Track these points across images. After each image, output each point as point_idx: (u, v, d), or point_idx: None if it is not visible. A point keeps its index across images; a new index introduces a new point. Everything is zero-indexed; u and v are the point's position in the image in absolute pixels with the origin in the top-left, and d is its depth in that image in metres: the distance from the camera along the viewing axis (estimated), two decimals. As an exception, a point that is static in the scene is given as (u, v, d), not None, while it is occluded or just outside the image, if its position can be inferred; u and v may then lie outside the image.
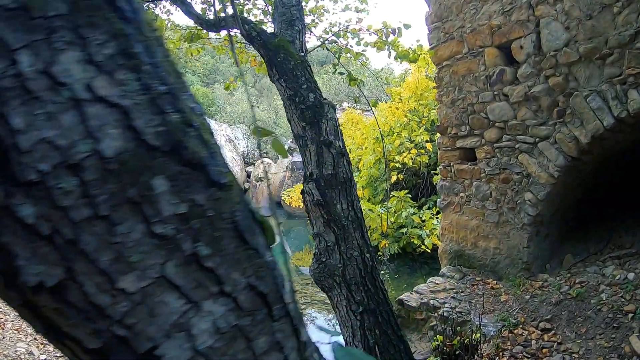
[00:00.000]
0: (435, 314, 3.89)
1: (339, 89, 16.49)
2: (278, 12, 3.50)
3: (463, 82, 4.81)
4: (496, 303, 3.90)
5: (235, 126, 20.75)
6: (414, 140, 9.29)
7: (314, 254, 3.11)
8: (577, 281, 3.55)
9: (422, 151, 8.95)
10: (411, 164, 8.98)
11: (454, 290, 4.28)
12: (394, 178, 9.22)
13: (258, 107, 23.14)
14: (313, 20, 5.34)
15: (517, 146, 4.30)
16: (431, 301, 4.06)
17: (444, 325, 3.73)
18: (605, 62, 3.54)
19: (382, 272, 6.91)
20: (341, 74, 4.05)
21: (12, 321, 6.24)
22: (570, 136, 3.86)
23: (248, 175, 19.54)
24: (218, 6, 4.17)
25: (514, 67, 4.28)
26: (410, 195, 8.83)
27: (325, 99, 3.19)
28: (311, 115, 3.07)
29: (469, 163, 4.88)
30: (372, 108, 4.13)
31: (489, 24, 4.41)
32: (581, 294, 3.32)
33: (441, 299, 4.13)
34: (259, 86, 26.65)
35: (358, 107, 15.76)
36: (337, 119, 3.14)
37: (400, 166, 9.27)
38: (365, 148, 10.18)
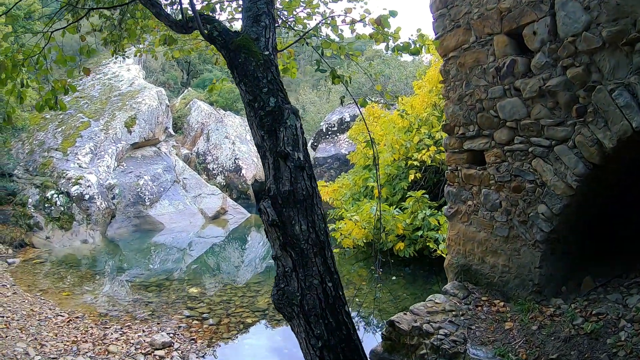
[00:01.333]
0: (427, 341, 3.43)
1: (362, 82, 15.87)
2: (244, 7, 3.13)
3: (471, 75, 4.24)
4: (499, 331, 3.38)
5: (261, 121, 20.60)
6: (434, 137, 8.68)
7: (275, 277, 2.76)
8: (594, 312, 2.98)
9: (442, 148, 8.31)
10: (430, 162, 8.39)
11: (454, 313, 3.79)
12: (411, 177, 8.67)
13: (285, 101, 22.89)
14: (309, 14, 4.93)
15: (530, 150, 3.71)
16: (425, 325, 3.60)
17: (434, 356, 3.27)
18: (635, 49, 2.90)
19: (392, 279, 6.43)
20: (322, 71, 3.62)
21: (18, 320, 6.36)
22: (592, 139, 3.24)
23: (273, 170, 19.36)
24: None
25: (527, 56, 3.68)
26: (427, 196, 8.25)
27: (289, 103, 2.79)
28: (270, 122, 2.69)
29: (478, 167, 4.32)
30: (360, 108, 3.68)
31: (497, 8, 3.81)
32: (596, 331, 2.76)
33: (437, 322, 3.65)
34: (285, 81, 26.35)
35: (382, 101, 15.15)
36: (300, 126, 2.73)
37: (418, 164, 8.69)
38: (384, 145, 9.65)
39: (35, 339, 5.65)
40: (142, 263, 9.91)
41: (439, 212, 8.17)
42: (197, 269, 9.44)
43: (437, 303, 4.03)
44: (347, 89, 3.62)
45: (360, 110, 3.71)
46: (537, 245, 3.70)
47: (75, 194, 11.02)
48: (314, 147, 16.09)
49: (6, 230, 10.18)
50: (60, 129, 12.67)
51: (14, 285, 7.90)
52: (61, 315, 6.55)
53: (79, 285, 8.06)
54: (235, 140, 17.63)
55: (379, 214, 4.07)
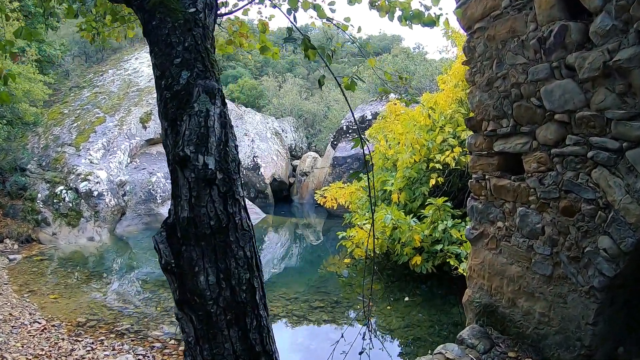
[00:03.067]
0: None
1: (384, 78, 14.64)
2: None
3: (504, 51, 3.05)
4: (536, 422, 2.23)
5: (283, 119, 19.74)
6: (459, 137, 7.42)
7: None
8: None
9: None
10: (454, 164, 7.14)
11: (470, 379, 2.65)
12: (432, 181, 7.44)
13: (309, 99, 21.94)
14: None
15: (589, 154, 2.51)
16: (428, 399, 2.49)
17: None
18: None
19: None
20: (291, 40, 2.57)
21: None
22: (692, 140, 2.03)
23: (294, 169, 18.51)
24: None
25: (583, 21, 2.48)
26: (450, 205, 7.02)
27: (209, 78, 1.76)
28: (174, 108, 1.68)
29: (513, 177, 3.13)
30: (344, 90, 2.61)
31: (544, -47, 2.63)
32: None
33: (446, 394, 2.53)
34: (312, 78, 25.39)
35: (406, 97, 13.83)
36: (219, 113, 1.69)
37: (441, 167, 7.46)
38: (404, 145, 8.46)
39: (0, 349, 4.97)
40: (146, 264, 9.19)
41: (463, 222, 6.94)
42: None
43: (448, 359, 2.89)
44: (327, 66, 2.56)
45: (344, 92, 2.64)
46: (593, 294, 2.49)
47: (84, 190, 10.46)
48: (334, 146, 15.02)
49: (14, 224, 9.75)
50: (75, 124, 12.21)
51: (6, 284, 7.33)
52: (38, 322, 5.86)
53: (70, 288, 7.37)
54: (254, 138, 16.83)
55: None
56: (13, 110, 9.58)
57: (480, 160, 3.50)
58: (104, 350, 5.09)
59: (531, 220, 2.88)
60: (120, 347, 5.17)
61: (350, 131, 14.61)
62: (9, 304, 6.45)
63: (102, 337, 5.42)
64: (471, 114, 3.51)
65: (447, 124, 7.72)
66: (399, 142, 9.15)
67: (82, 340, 5.33)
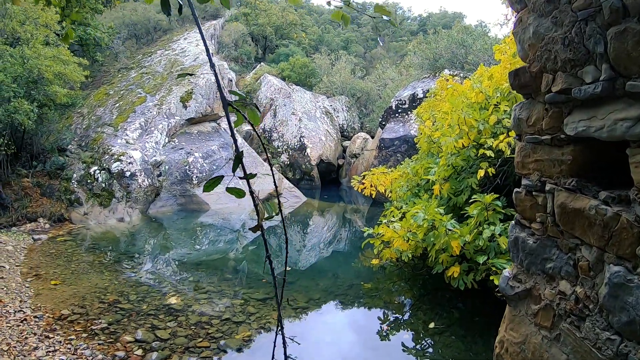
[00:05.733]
0: None
1: (438, 53, 12.33)
2: None
3: None
4: None
5: (335, 97, 18.19)
6: (520, 115, 5.43)
7: None
8: None
9: (532, 132, 5.11)
10: (509, 152, 5.23)
11: None
12: (481, 172, 5.59)
13: (364, 78, 20.09)
14: None
15: None
16: None
17: None
18: None
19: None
20: None
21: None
22: None
23: (344, 150, 17.04)
24: None
25: None
26: (500, 203, 5.15)
27: None
28: None
29: (603, 194, 1.44)
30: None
31: None
32: None
33: None
34: (368, 56, 23.31)
35: (461, 73, 11.54)
36: None
37: (493, 154, 5.57)
38: (448, 126, 6.62)
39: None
40: (165, 251, 8.46)
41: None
42: (204, 269, 7.50)
43: None
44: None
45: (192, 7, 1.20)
46: None
47: (116, 171, 10.02)
48: (382, 126, 13.25)
49: (49, 204, 9.60)
50: (117, 105, 11.84)
51: (18, 266, 6.94)
52: (23, 311, 5.29)
53: (77, 274, 6.79)
54: (302, 117, 15.57)
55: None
56: (45, 92, 9.28)
57: (537, 153, 1.81)
58: (66, 353, 4.32)
59: (636, 301, 1.20)
60: (83, 351, 4.36)
61: (399, 110, 12.72)
62: (5, 288, 5.99)
63: (73, 336, 4.69)
64: (519, 63, 1.81)
65: (504, 101, 5.72)
66: (442, 125, 7.27)
67: (51, 338, 4.68)
